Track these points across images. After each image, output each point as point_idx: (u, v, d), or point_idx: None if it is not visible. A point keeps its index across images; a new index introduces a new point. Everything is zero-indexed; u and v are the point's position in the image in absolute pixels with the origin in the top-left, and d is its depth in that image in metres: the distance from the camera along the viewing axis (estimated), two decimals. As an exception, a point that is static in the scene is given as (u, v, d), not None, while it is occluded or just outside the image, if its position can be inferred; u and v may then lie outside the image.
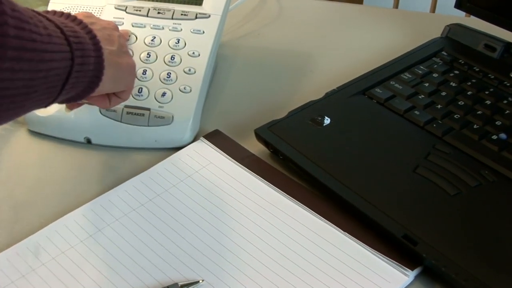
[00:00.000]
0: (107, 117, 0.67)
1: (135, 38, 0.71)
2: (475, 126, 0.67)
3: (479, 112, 0.69)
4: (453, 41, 0.80)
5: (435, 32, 0.84)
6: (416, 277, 0.55)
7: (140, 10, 0.73)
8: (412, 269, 0.55)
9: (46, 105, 0.49)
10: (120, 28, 0.71)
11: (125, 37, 0.69)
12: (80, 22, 0.53)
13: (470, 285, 0.51)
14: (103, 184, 0.64)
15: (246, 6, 0.93)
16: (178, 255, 0.56)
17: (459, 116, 0.68)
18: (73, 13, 0.68)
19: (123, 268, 0.55)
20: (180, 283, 0.53)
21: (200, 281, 0.54)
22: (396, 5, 1.21)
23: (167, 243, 0.57)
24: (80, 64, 0.49)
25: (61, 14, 0.53)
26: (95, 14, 0.73)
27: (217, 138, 0.68)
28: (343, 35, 0.89)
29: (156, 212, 0.60)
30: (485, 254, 0.54)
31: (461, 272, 0.52)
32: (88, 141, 0.68)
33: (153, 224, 0.59)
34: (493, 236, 0.56)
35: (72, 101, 0.54)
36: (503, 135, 0.66)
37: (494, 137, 0.65)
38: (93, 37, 0.52)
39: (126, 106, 0.67)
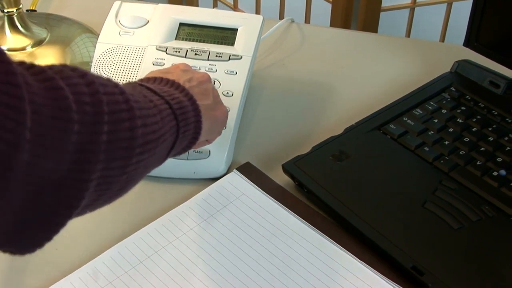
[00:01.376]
0: (152, 151, 0.76)
1: (175, 78, 0.80)
2: (478, 163, 0.75)
3: (482, 149, 0.77)
4: (461, 76, 0.88)
5: (445, 61, 0.92)
6: (423, 303, 0.64)
7: (179, 52, 0.82)
8: (419, 296, 0.64)
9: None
10: (160, 68, 0.80)
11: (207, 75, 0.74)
12: (183, 89, 0.59)
13: (468, 314, 0.60)
14: (149, 211, 0.73)
15: (271, 35, 1.01)
16: (216, 279, 0.65)
17: (464, 152, 0.77)
18: (121, 54, 0.77)
19: (171, 292, 0.64)
20: (219, 307, 0.62)
21: (237, 305, 0.63)
22: (408, 33, 1.29)
23: (207, 269, 0.66)
24: (183, 133, 0.56)
25: (167, 81, 0.60)
26: (138, 56, 0.82)
27: (248, 171, 0.77)
28: (359, 65, 0.97)
29: (197, 241, 0.69)
30: (483, 285, 0.63)
31: (461, 302, 0.61)
32: (134, 172, 0.77)
33: (194, 251, 0.68)
34: (491, 269, 0.64)
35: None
36: (502, 172, 0.74)
37: (495, 173, 0.74)
38: (194, 102, 0.59)
39: (168, 141, 0.76)
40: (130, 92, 0.49)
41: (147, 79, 0.61)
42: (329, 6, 1.35)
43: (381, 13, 1.33)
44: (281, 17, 1.44)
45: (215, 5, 1.63)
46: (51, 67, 0.42)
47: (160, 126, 0.52)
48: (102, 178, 0.44)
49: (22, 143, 0.37)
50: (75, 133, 0.41)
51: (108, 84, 0.46)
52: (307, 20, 1.35)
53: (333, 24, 1.34)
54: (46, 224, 0.42)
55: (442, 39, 1.31)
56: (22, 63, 0.41)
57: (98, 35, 1.00)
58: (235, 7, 1.59)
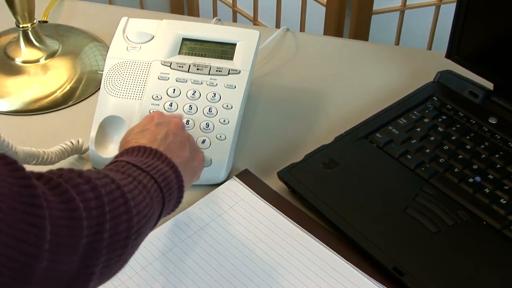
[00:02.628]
0: (158, 160, 0.83)
1: (179, 92, 0.87)
2: (455, 170, 0.82)
3: (460, 156, 0.84)
4: (443, 86, 0.95)
5: (431, 69, 0.99)
6: (402, 300, 0.72)
7: (182, 67, 0.89)
8: (399, 294, 0.71)
9: None
10: (165, 82, 0.87)
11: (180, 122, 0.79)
12: (165, 159, 0.66)
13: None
14: (156, 217, 0.80)
15: (268, 44, 1.08)
16: (218, 279, 0.73)
17: (443, 160, 0.84)
18: (129, 68, 0.85)
19: (177, 291, 0.72)
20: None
21: (237, 303, 0.71)
22: (397, 41, 1.36)
23: (209, 270, 0.74)
24: (168, 201, 0.64)
25: (150, 152, 0.66)
26: (144, 70, 0.89)
27: (246, 177, 0.84)
28: (350, 72, 1.04)
29: (200, 243, 0.77)
30: (457, 284, 0.71)
31: (435, 299, 0.69)
32: (142, 179, 0.85)
33: (198, 253, 0.76)
34: (465, 269, 0.72)
35: None
36: (477, 178, 0.81)
37: (471, 180, 0.81)
38: (176, 170, 0.66)
39: (173, 151, 0.83)
40: (122, 180, 0.56)
41: (132, 149, 0.67)
42: (323, 9, 1.42)
43: (373, 16, 1.40)
44: (278, 17, 1.51)
45: (214, 5, 1.70)
46: (61, 175, 0.50)
47: (150, 206, 0.59)
48: (104, 268, 0.52)
49: (42, 254, 0.44)
50: (84, 237, 0.48)
51: (107, 183, 0.54)
52: (302, 23, 1.41)
53: (327, 26, 1.41)
54: None
55: (431, 41, 1.38)
56: (40, 177, 0.48)
57: (104, 43, 1.08)
58: (234, 6, 1.66)
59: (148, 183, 0.61)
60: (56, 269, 0.46)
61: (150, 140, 0.70)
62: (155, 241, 0.77)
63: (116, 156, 0.67)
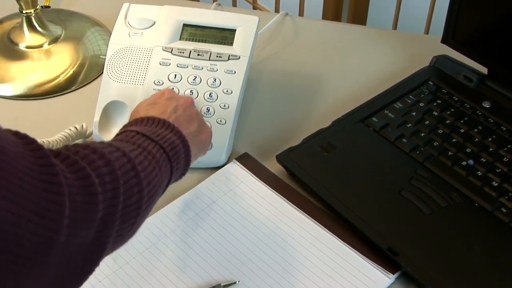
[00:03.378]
0: (160, 144, 0.86)
1: (180, 77, 0.89)
2: (449, 153, 0.85)
3: (454, 140, 0.86)
4: (439, 70, 0.97)
5: (427, 53, 1.00)
6: (396, 279, 0.74)
7: (183, 52, 0.91)
8: (393, 273, 0.74)
9: None
10: (166, 67, 0.89)
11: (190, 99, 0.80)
12: (173, 128, 0.68)
13: (434, 289, 0.71)
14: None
15: (267, 29, 1.10)
16: (219, 259, 0.75)
17: (438, 143, 0.86)
18: (131, 54, 0.87)
19: (179, 270, 0.74)
20: (222, 284, 0.73)
21: (237, 282, 0.73)
22: (395, 25, 1.37)
23: (210, 250, 0.76)
24: (176, 170, 0.66)
25: (158, 122, 0.68)
26: (146, 56, 0.91)
27: (246, 161, 0.87)
28: (348, 57, 1.06)
29: (201, 225, 0.79)
30: (449, 264, 0.73)
31: (429, 279, 0.71)
32: (145, 162, 0.87)
33: (199, 234, 0.78)
34: (457, 249, 0.74)
35: None
36: (470, 161, 0.83)
37: (464, 163, 0.83)
38: (183, 139, 0.68)
39: (174, 135, 0.86)
40: (132, 151, 0.58)
41: (141, 119, 0.69)
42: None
43: (371, -1, 1.41)
44: (277, 0, 1.52)
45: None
46: (77, 152, 0.52)
47: (159, 176, 0.61)
48: (117, 237, 0.55)
49: (61, 229, 0.46)
50: (100, 210, 0.51)
51: (119, 157, 0.56)
52: (301, 7, 1.42)
53: (325, 9, 1.42)
54: (74, 281, 0.52)
55: (429, 24, 1.39)
56: (58, 154, 0.50)
57: (106, 27, 1.09)
58: (233, -11, 1.67)
59: (157, 152, 0.63)
60: (74, 242, 0.48)
61: (160, 112, 0.72)
62: (158, 222, 0.79)
63: (125, 126, 0.69)
